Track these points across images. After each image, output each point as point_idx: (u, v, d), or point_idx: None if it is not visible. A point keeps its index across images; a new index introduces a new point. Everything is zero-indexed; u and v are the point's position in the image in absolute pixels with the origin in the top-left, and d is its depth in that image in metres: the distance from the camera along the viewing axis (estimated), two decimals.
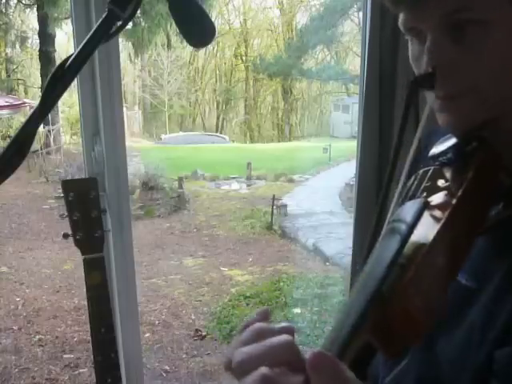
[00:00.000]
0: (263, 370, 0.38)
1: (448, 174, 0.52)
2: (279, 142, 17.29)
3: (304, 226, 7.06)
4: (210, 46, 16.66)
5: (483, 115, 0.55)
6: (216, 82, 19.69)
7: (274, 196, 7.54)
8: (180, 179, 8.49)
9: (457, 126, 0.57)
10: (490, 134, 0.52)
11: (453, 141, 0.58)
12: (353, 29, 13.25)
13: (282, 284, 5.11)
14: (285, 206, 7.68)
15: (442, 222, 0.44)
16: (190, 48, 13.61)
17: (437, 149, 0.58)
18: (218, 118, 19.25)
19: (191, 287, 5.10)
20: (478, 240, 0.53)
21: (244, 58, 19.13)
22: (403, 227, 0.45)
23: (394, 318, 0.39)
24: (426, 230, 0.43)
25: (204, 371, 3.53)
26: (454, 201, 0.46)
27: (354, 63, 14.50)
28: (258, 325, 0.43)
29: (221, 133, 17.93)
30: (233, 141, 16.46)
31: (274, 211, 7.28)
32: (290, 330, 0.43)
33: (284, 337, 0.41)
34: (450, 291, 0.57)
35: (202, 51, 17.64)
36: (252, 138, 18.36)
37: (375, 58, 1.58)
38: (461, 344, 0.54)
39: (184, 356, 3.75)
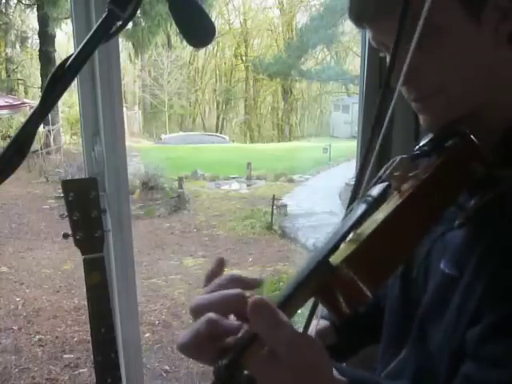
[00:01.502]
0: (210, 314, 0.42)
1: (421, 164, 0.54)
2: (279, 141, 17.30)
3: (304, 226, 7.06)
4: (210, 46, 16.67)
5: (457, 112, 0.57)
6: (216, 82, 19.70)
7: (274, 196, 7.55)
8: (180, 179, 8.50)
9: (433, 124, 0.60)
10: (470, 127, 0.54)
11: (431, 135, 0.60)
12: (353, 29, 13.18)
13: (282, 284, 5.11)
14: (285, 206, 7.69)
15: (399, 202, 0.46)
16: (190, 48, 13.62)
17: (419, 144, 0.60)
18: (218, 118, 19.26)
19: (191, 287, 5.10)
20: (459, 232, 0.56)
21: (244, 58, 19.14)
22: (368, 199, 0.48)
23: (338, 282, 0.41)
24: (386, 210, 0.46)
25: (204, 371, 3.53)
26: (417, 184, 0.48)
27: (354, 63, 14.52)
28: (222, 277, 0.48)
29: (221, 133, 17.93)
30: (233, 141, 16.47)
31: (274, 211, 7.28)
32: (258, 282, 0.47)
33: (236, 290, 0.44)
34: (436, 281, 0.59)
35: (202, 51, 17.66)
36: (252, 138, 18.37)
37: (375, 58, 1.58)
38: (443, 331, 0.55)
39: (184, 356, 3.74)
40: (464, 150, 0.52)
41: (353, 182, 0.53)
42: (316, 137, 16.51)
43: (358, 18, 0.60)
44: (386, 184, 0.50)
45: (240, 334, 0.42)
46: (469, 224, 0.55)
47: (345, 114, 15.09)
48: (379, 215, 0.46)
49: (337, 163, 11.01)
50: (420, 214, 0.47)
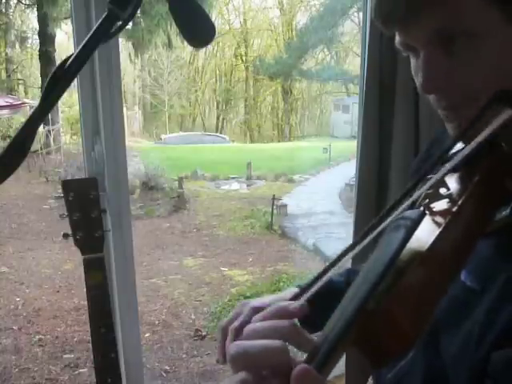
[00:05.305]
0: (243, 374, 0.39)
1: (451, 181, 0.51)
2: (279, 142, 17.31)
3: (304, 226, 7.07)
4: (209, 46, 16.67)
5: None
6: (216, 81, 19.72)
7: (274, 196, 7.55)
8: (180, 179, 8.50)
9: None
10: (502, 139, 0.50)
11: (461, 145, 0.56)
12: (353, 29, 13.29)
13: (281, 284, 5.11)
14: (285, 206, 7.69)
15: (439, 230, 0.42)
16: (190, 48, 13.62)
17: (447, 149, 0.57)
18: (218, 118, 19.28)
19: (191, 287, 5.10)
20: (484, 243, 0.52)
21: (244, 58, 19.16)
22: (405, 224, 0.44)
23: (380, 330, 0.37)
24: (424, 238, 0.42)
25: (204, 371, 3.53)
26: (454, 208, 0.45)
27: (354, 63, 14.53)
28: (268, 311, 0.46)
29: (221, 133, 17.95)
30: (233, 141, 16.48)
31: (274, 211, 7.28)
32: (302, 309, 0.46)
33: (277, 342, 0.41)
34: (455, 291, 0.57)
35: (202, 51, 17.68)
36: (252, 138, 18.38)
37: (375, 58, 1.58)
38: (461, 343, 0.54)
39: (184, 356, 3.75)
40: (498, 166, 0.48)
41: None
42: (316, 137, 16.52)
43: (386, 23, 0.55)
44: (422, 210, 0.46)
45: None
46: (496, 236, 0.52)
47: (345, 114, 15.10)
48: (415, 244, 0.42)
49: (337, 163, 11.02)
50: (462, 240, 0.44)
